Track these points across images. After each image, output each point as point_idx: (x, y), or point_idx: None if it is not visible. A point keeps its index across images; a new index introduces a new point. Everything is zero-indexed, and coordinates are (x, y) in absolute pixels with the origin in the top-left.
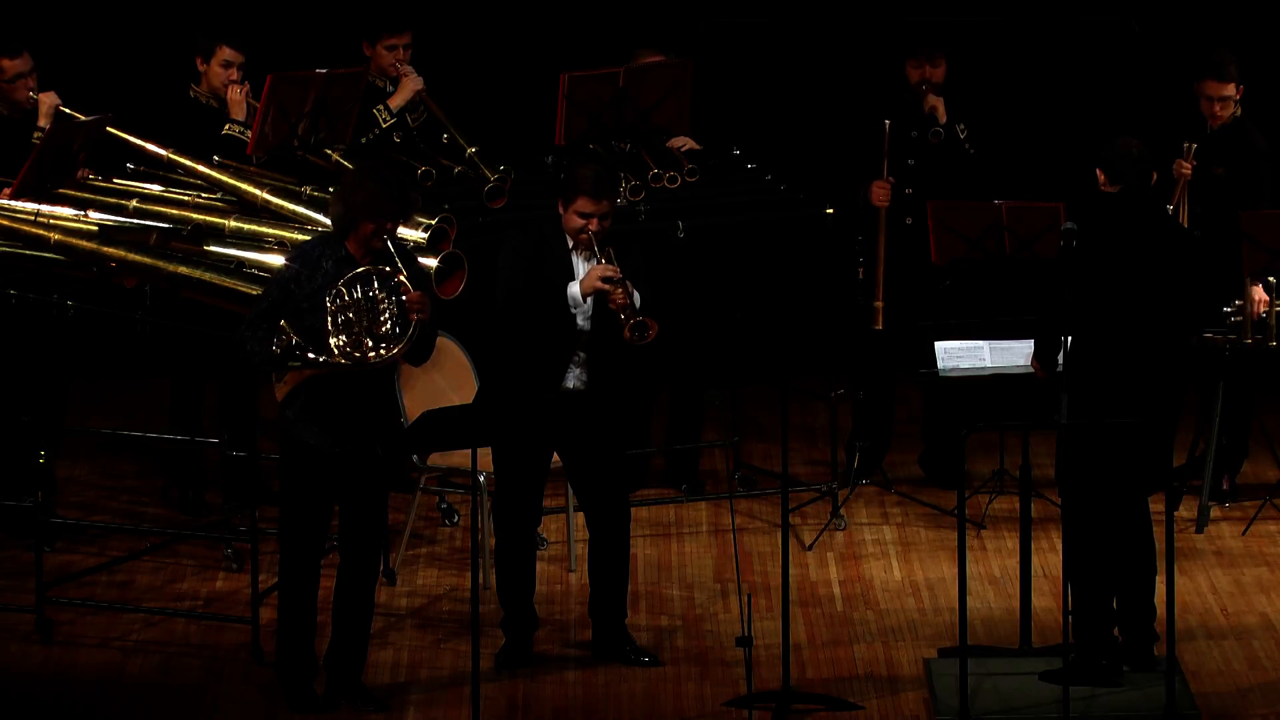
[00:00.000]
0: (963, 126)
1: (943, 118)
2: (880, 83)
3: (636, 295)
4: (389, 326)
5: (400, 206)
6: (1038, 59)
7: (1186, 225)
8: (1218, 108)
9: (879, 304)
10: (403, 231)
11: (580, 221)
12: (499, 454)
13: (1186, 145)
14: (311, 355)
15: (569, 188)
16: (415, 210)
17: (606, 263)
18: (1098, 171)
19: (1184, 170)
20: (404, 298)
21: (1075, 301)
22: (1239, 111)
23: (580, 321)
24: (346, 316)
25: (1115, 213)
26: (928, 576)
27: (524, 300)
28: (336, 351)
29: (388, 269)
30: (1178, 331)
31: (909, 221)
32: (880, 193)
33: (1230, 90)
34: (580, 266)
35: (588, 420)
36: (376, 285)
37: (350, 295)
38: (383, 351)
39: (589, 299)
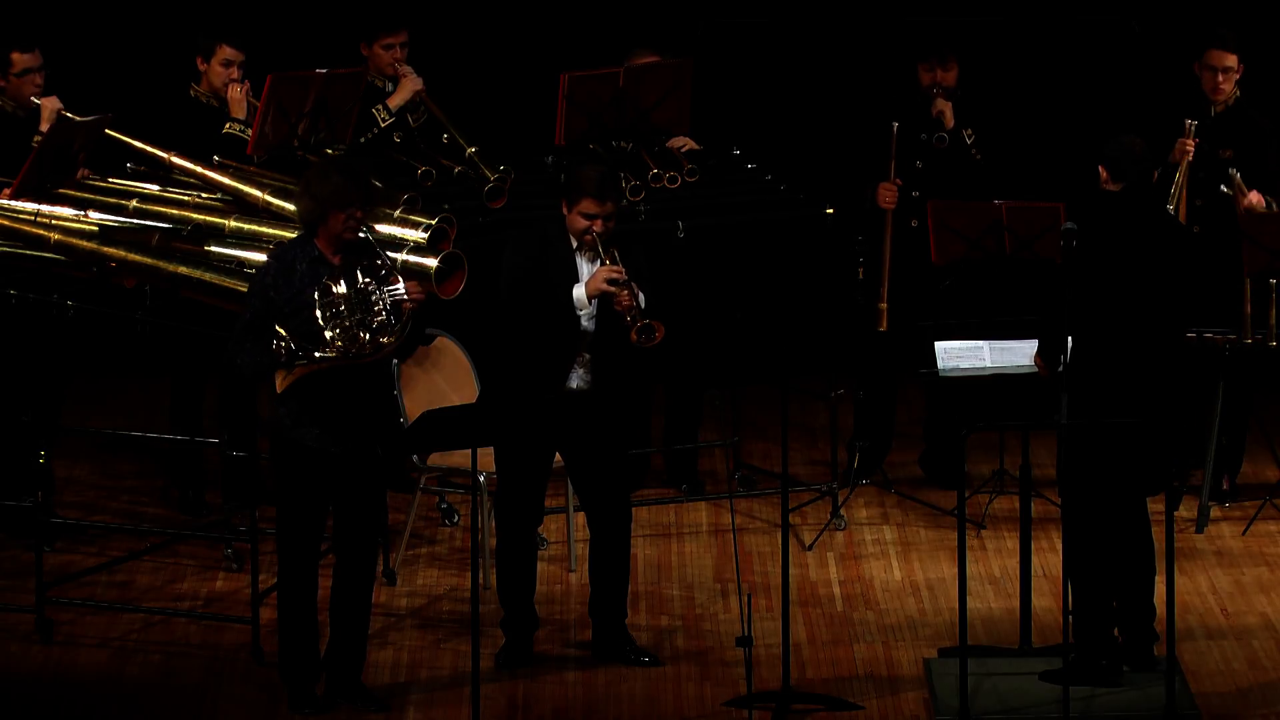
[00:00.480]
0: (969, 131)
1: (949, 123)
2: (890, 84)
3: (642, 296)
4: (384, 316)
5: (366, 192)
6: (1038, 60)
7: (1187, 212)
8: (1221, 78)
9: (883, 305)
10: (403, 232)
11: (585, 223)
12: (501, 453)
13: (1189, 123)
14: (315, 354)
15: (573, 189)
16: (381, 197)
17: (611, 264)
18: (1100, 169)
19: (1187, 148)
20: (401, 284)
21: (1076, 301)
22: (1239, 93)
23: (585, 323)
24: (337, 310)
25: (1116, 211)
26: (928, 576)
27: (528, 297)
28: (332, 348)
29: (378, 261)
30: (1178, 331)
31: (914, 224)
32: (887, 195)
33: (1233, 61)
34: (585, 268)
35: (591, 420)
36: (364, 276)
37: (339, 289)
38: (381, 341)
39: (594, 300)
